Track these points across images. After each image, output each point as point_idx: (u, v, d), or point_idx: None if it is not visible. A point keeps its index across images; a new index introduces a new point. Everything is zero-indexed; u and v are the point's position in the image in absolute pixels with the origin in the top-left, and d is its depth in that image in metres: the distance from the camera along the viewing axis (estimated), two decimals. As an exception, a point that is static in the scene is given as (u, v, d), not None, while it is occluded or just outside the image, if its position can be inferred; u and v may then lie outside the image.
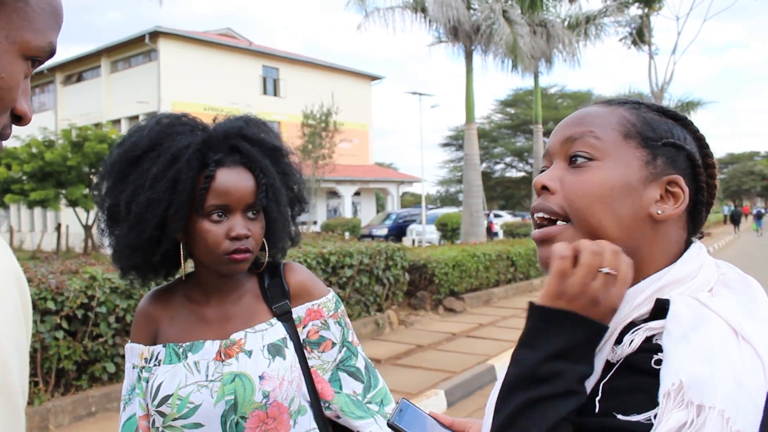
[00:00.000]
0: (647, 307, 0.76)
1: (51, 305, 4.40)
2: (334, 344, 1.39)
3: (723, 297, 0.74)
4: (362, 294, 7.83)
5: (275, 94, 31.06)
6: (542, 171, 0.88)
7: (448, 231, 23.49)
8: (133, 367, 1.37)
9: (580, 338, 0.74)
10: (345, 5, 17.55)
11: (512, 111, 51.62)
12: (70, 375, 4.72)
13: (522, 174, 51.92)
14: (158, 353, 1.34)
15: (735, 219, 37.62)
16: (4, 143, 0.74)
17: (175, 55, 26.69)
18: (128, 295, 4.88)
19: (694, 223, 0.86)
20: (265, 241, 1.37)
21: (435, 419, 1.00)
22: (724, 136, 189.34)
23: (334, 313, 1.41)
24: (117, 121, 27.50)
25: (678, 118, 0.87)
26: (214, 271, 1.33)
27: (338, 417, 1.38)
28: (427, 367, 6.27)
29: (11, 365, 0.61)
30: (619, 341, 0.76)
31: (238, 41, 30.80)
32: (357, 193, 34.37)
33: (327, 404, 1.37)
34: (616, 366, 0.73)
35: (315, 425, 1.35)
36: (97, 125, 22.39)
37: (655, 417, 0.66)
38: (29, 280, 4.44)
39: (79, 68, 30.85)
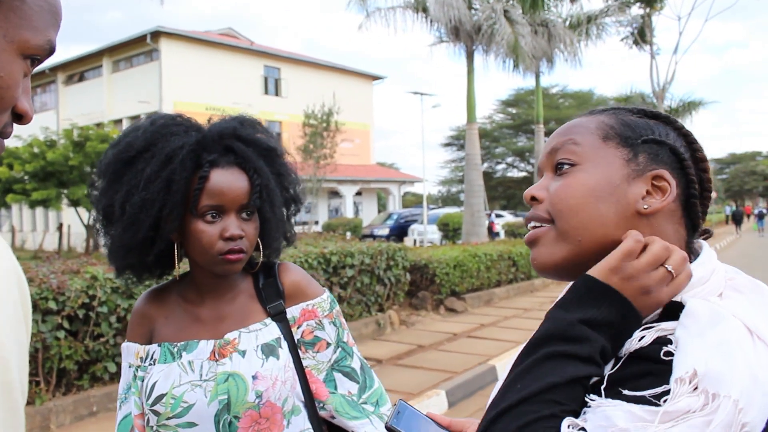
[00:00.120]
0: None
1: (52, 305, 4.40)
2: (328, 344, 1.39)
3: (735, 300, 0.76)
4: (363, 294, 7.83)
5: (277, 94, 31.08)
6: None
7: (450, 231, 23.48)
8: (129, 366, 1.38)
9: (615, 317, 0.75)
10: (346, 5, 17.57)
11: (514, 111, 51.63)
12: (71, 375, 4.73)
13: (524, 174, 51.91)
14: (153, 352, 1.34)
15: (737, 219, 37.66)
16: (6, 142, 0.74)
17: (177, 54, 26.72)
18: (129, 294, 4.89)
19: (691, 219, 0.87)
20: (259, 241, 1.37)
21: (433, 420, 1.00)
22: (725, 136, 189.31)
23: (329, 313, 1.41)
24: (119, 121, 27.52)
25: (660, 117, 0.90)
26: (208, 271, 1.34)
27: (333, 417, 1.38)
28: (428, 367, 6.27)
29: (11, 364, 0.61)
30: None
31: (240, 41, 30.82)
32: (358, 193, 34.39)
33: (322, 404, 1.37)
34: (623, 359, 0.74)
35: (309, 425, 1.35)
36: (99, 125, 22.40)
37: (660, 395, 0.66)
38: (31, 280, 4.45)
39: (80, 68, 30.90)
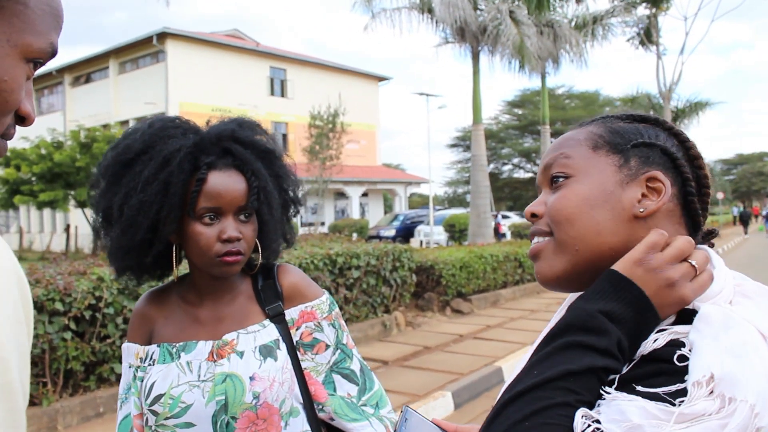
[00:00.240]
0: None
1: (59, 306, 4.42)
2: (327, 346, 1.39)
3: (745, 306, 0.76)
4: (369, 295, 7.83)
5: (283, 95, 31.15)
6: None
7: (456, 232, 23.48)
8: (129, 367, 1.39)
9: (634, 312, 0.75)
10: (351, 6, 17.61)
11: (519, 112, 51.59)
12: (78, 376, 4.75)
13: (530, 175, 51.82)
14: (153, 353, 1.35)
15: (744, 220, 37.51)
16: (13, 144, 0.74)
17: (183, 56, 26.82)
18: (135, 296, 4.90)
19: (692, 218, 0.87)
20: (258, 243, 1.37)
21: (438, 426, 0.99)
22: (732, 137, 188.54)
23: (328, 315, 1.41)
24: (125, 122, 27.61)
25: (648, 120, 0.91)
26: (206, 272, 1.34)
27: (332, 419, 1.38)
28: (434, 368, 6.26)
29: (11, 364, 0.62)
30: None
31: (246, 42, 30.91)
32: (364, 194, 34.42)
33: (320, 406, 1.37)
34: (636, 360, 0.74)
35: (308, 427, 1.35)
36: (106, 126, 22.56)
37: (674, 393, 0.66)
38: (38, 281, 4.47)
39: (87, 69, 31.06)
